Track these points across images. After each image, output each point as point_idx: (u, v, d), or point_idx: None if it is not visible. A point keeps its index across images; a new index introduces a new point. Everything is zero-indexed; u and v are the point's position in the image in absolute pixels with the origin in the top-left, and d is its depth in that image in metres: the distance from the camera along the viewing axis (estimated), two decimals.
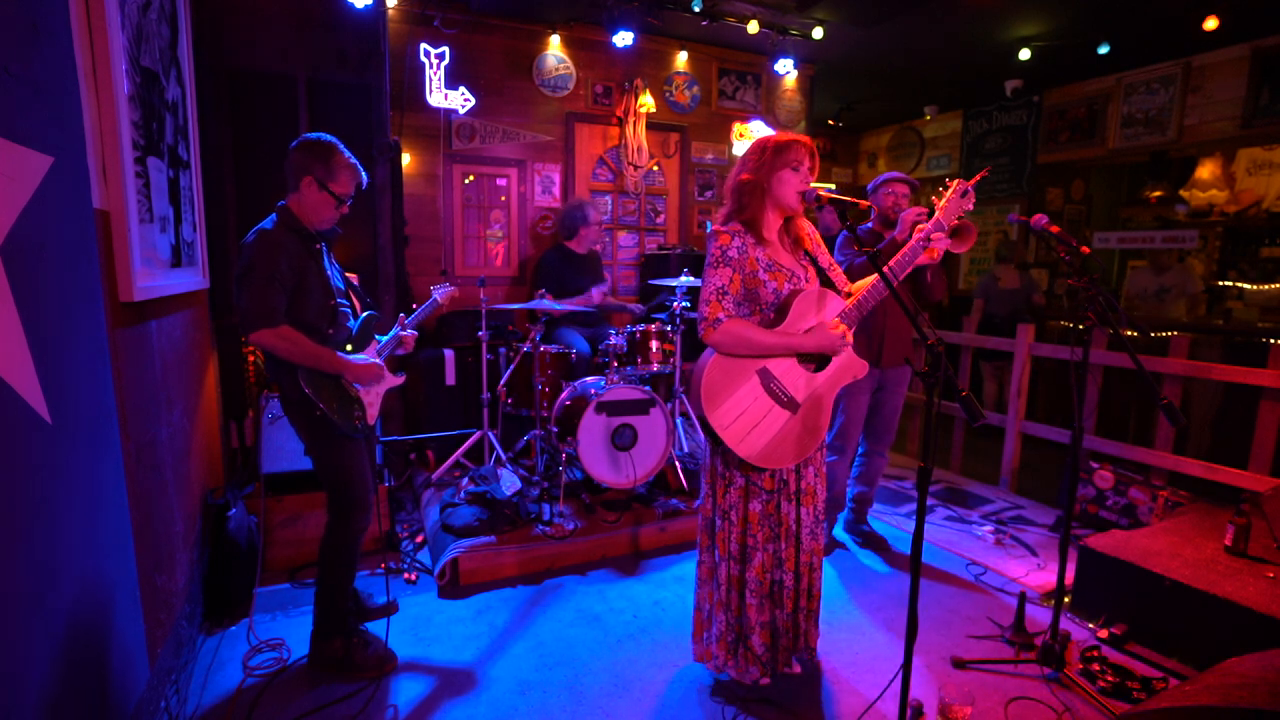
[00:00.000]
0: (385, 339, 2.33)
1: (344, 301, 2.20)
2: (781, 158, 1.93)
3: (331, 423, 2.06)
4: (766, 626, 2.05)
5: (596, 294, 4.02)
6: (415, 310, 2.51)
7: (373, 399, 2.24)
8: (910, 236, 2.14)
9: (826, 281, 2.05)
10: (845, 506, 3.29)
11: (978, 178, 1.99)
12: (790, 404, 1.95)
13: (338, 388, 2.11)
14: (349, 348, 2.19)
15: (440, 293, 2.64)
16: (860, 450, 3.20)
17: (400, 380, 2.35)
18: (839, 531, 3.38)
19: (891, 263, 1.96)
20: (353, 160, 2.12)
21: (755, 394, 1.92)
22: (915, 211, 2.69)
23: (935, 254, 1.98)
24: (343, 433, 2.10)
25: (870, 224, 3.00)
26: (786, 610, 2.07)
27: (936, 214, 1.96)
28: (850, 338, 1.97)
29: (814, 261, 2.07)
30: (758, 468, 1.96)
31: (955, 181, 1.98)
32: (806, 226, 2.11)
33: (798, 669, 2.15)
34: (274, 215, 2.07)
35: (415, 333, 2.42)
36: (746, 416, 1.91)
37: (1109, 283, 6.94)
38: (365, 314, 2.28)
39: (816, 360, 1.99)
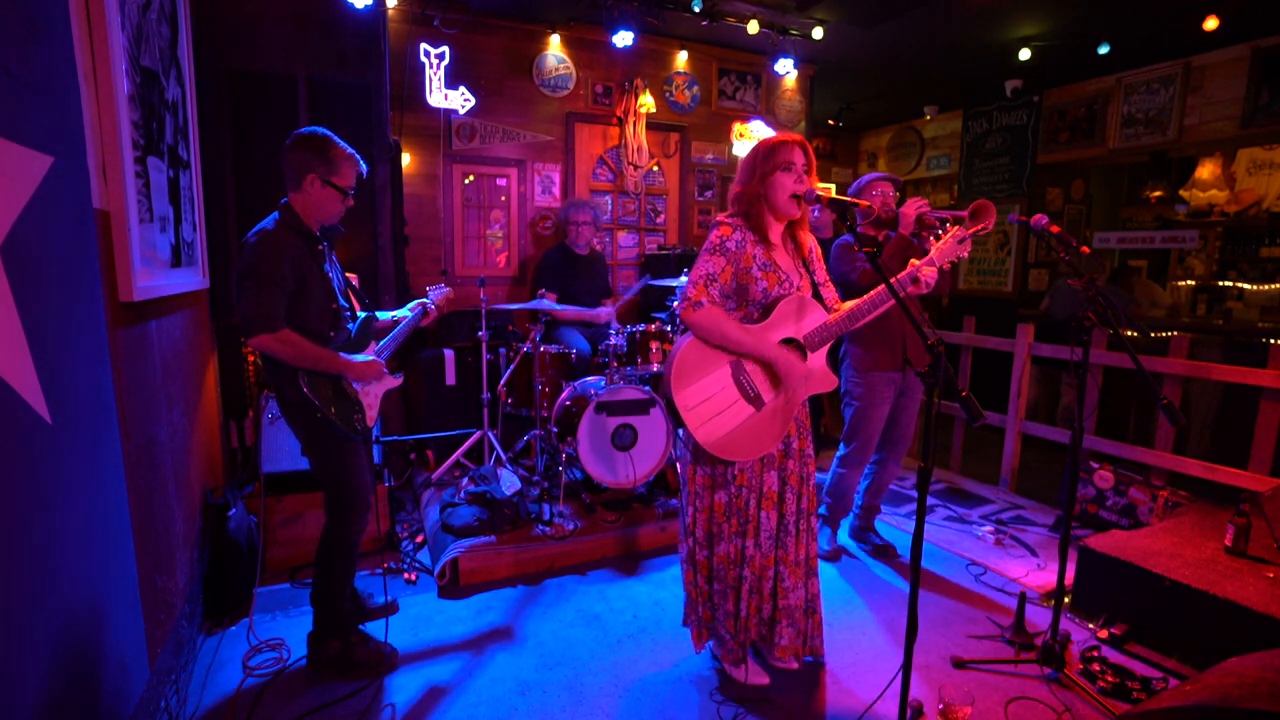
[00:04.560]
0: (384, 342, 2.33)
1: (345, 303, 2.20)
2: (773, 160, 1.93)
3: (332, 425, 2.06)
4: (730, 616, 2.09)
5: (604, 314, 4.00)
6: (389, 334, 2.35)
7: (372, 400, 2.24)
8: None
9: (817, 297, 2.07)
10: (851, 513, 3.26)
11: (975, 229, 2.07)
12: (756, 400, 1.97)
13: (338, 390, 2.11)
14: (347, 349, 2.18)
15: (421, 306, 2.47)
16: (873, 459, 3.13)
17: (398, 381, 2.34)
18: (845, 538, 3.36)
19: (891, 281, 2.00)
20: (350, 150, 2.10)
21: (724, 382, 1.96)
22: (915, 204, 2.67)
23: (923, 287, 2.04)
24: (342, 435, 2.10)
25: (859, 227, 2.98)
26: (752, 604, 2.08)
27: (931, 254, 2.02)
28: (803, 364, 1.99)
29: (811, 275, 2.08)
30: (725, 460, 1.99)
31: (955, 229, 2.05)
32: (810, 240, 2.12)
33: (794, 665, 2.19)
34: (276, 214, 2.04)
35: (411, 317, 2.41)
36: (712, 403, 1.94)
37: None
38: (363, 315, 2.28)
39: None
